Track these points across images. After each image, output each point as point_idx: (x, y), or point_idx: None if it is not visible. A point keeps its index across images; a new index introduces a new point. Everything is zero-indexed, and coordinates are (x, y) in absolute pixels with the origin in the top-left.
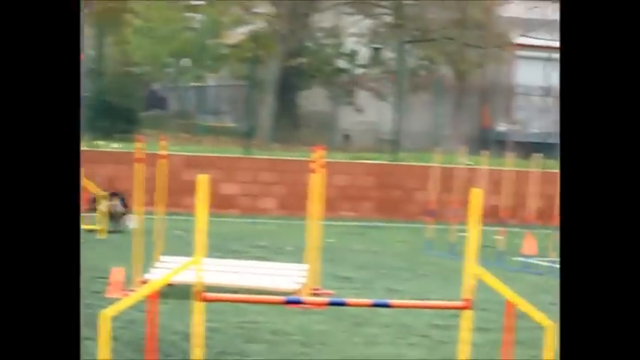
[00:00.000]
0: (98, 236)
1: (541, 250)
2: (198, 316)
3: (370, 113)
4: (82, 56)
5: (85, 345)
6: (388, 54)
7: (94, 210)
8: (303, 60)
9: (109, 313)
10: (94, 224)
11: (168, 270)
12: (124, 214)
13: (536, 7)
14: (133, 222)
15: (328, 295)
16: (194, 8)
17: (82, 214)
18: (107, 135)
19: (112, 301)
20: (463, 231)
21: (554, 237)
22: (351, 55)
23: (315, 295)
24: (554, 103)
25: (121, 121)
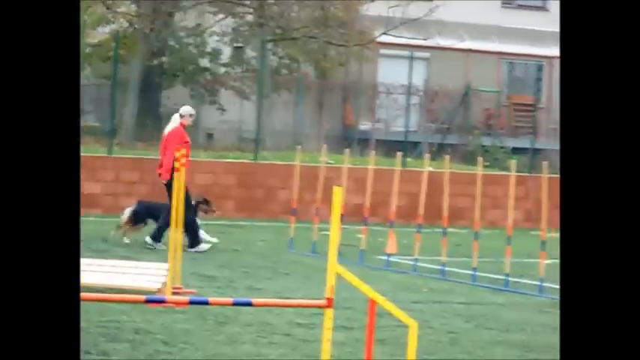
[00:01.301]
0: None
1: (404, 248)
2: None
3: (233, 112)
4: None
5: None
6: (250, 53)
7: None
8: (166, 59)
9: None
10: None
11: None
12: None
13: (398, 5)
14: None
15: (190, 294)
16: None
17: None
18: None
19: None
20: (326, 229)
21: (416, 235)
22: (214, 54)
23: (176, 294)
24: (416, 102)
25: None
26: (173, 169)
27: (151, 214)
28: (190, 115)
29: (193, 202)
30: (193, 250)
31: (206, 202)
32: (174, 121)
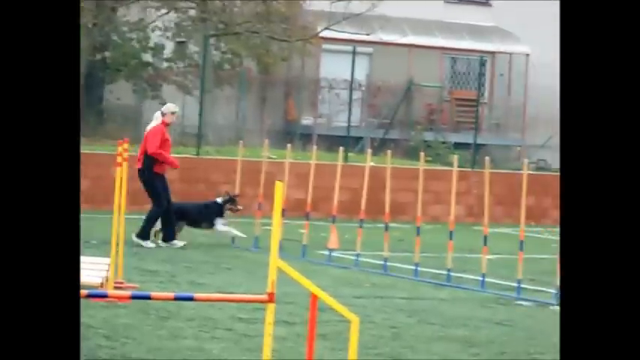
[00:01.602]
0: None
1: (346, 243)
2: None
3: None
4: None
5: None
6: (193, 48)
7: None
8: (109, 54)
9: None
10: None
11: None
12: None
13: (340, 0)
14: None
15: (132, 288)
16: None
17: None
18: None
19: None
20: (268, 224)
21: (358, 230)
22: (157, 49)
23: (119, 288)
24: (358, 97)
25: None
26: (145, 165)
27: (181, 216)
28: (172, 113)
29: (220, 200)
30: (167, 244)
31: (231, 200)
32: (156, 119)
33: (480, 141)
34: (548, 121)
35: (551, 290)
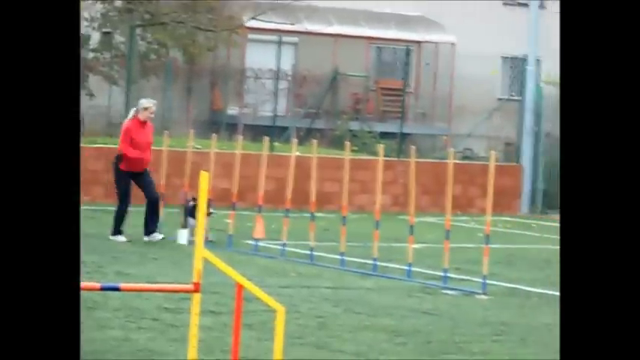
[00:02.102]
0: None
1: (272, 233)
2: None
3: (102, 97)
4: None
5: None
6: (119, 38)
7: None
8: None
9: None
10: None
11: None
12: None
13: None
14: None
15: None
16: None
17: None
18: None
19: None
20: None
21: (284, 220)
22: (83, 40)
23: None
24: (284, 86)
25: None
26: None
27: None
28: (145, 109)
29: (190, 203)
30: (147, 238)
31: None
32: (130, 115)
33: (406, 130)
34: (474, 110)
35: (477, 279)
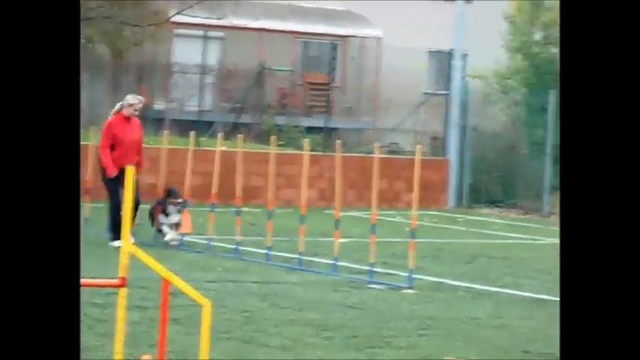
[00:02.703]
0: None
1: (199, 227)
2: None
3: None
4: None
5: None
6: None
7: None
8: None
9: None
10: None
11: None
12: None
13: None
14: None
15: None
16: None
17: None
18: None
19: None
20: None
21: (210, 215)
22: None
23: None
24: (210, 81)
25: None
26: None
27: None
28: (130, 105)
29: (162, 197)
30: (115, 244)
31: (171, 193)
32: (114, 109)
33: (332, 125)
34: (400, 104)
35: (404, 273)
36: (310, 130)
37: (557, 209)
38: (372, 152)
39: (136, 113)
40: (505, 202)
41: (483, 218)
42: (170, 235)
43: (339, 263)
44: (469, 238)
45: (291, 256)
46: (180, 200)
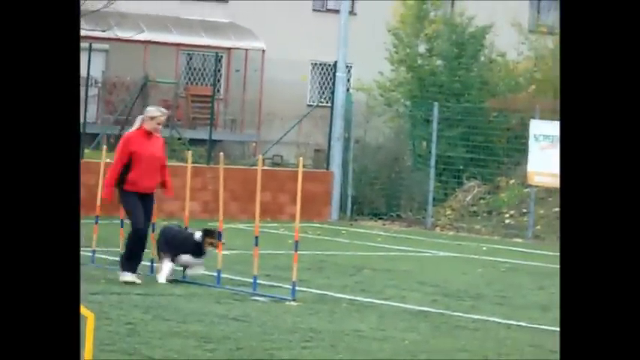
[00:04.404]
0: None
1: (83, 239)
2: None
3: None
4: None
5: None
6: None
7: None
8: None
9: None
10: None
11: None
12: None
13: None
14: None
15: None
16: None
17: None
18: None
19: None
20: None
21: (95, 226)
22: None
23: None
24: (94, 93)
25: None
26: (117, 183)
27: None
28: (152, 118)
29: (199, 234)
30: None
31: (210, 232)
32: (135, 124)
33: (216, 137)
34: (283, 116)
35: (287, 286)
36: (194, 142)
37: (441, 221)
38: (255, 164)
39: (160, 127)
40: (388, 215)
41: (367, 230)
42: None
43: (222, 275)
44: (353, 251)
45: (175, 268)
46: (222, 242)
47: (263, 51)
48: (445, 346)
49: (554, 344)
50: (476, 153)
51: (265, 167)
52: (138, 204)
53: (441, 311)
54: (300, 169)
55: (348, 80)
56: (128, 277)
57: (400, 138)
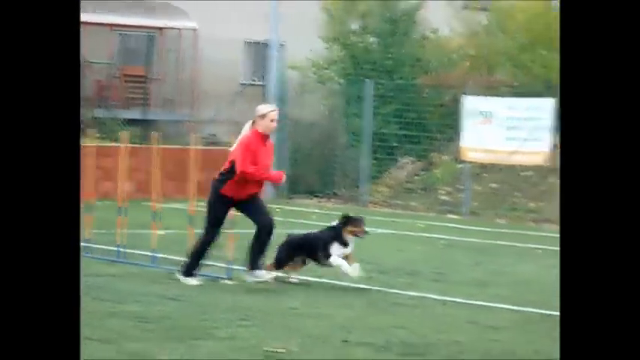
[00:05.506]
0: None
1: None
2: None
3: None
4: None
5: None
6: None
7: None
8: None
9: None
10: None
11: None
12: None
13: None
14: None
15: None
16: None
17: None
18: None
19: None
20: None
21: None
22: None
23: None
24: None
25: None
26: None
27: (300, 249)
28: (263, 116)
29: (335, 223)
30: (252, 278)
31: (351, 220)
32: (246, 126)
33: (150, 117)
34: (217, 95)
35: (223, 264)
36: (129, 122)
37: (376, 198)
38: (189, 144)
39: (274, 126)
40: (324, 192)
41: (302, 208)
42: (346, 268)
43: (158, 255)
44: (287, 229)
45: (111, 248)
46: (366, 230)
47: (195, 30)
48: (382, 322)
49: (491, 320)
50: (409, 130)
51: (200, 146)
52: (227, 212)
53: (377, 288)
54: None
55: (282, 59)
56: (191, 281)
57: (334, 116)
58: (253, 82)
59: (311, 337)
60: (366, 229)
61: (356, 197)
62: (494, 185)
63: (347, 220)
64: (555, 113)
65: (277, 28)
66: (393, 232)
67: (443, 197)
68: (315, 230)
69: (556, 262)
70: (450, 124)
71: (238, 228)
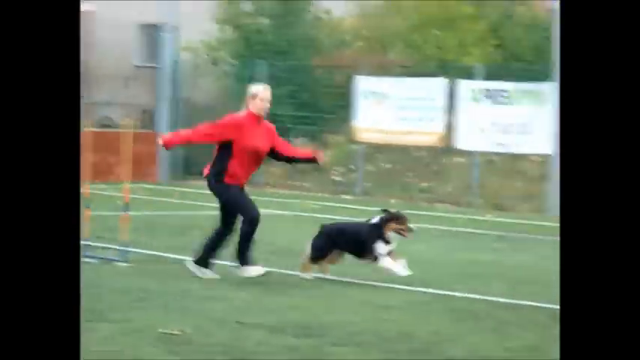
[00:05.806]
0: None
1: None
2: None
3: None
4: None
5: None
6: None
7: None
8: None
9: None
10: None
11: None
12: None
13: None
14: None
15: None
16: None
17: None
18: None
19: None
20: None
21: None
22: None
23: None
24: None
25: None
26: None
27: (339, 242)
28: (254, 97)
29: (376, 220)
30: (245, 273)
31: (394, 216)
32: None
33: None
34: (112, 77)
35: (118, 247)
36: None
37: (271, 179)
38: (84, 126)
39: (269, 108)
40: None
41: (197, 190)
42: (397, 269)
43: None
44: (182, 211)
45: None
46: (411, 227)
47: (93, 12)
48: (277, 304)
49: (384, 299)
50: (303, 111)
51: (94, 129)
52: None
53: (272, 269)
54: (129, 131)
55: (175, 40)
56: (253, 271)
57: (228, 97)
58: (147, 65)
59: (206, 319)
60: (411, 225)
61: (250, 179)
62: (387, 166)
63: (390, 217)
64: (447, 93)
65: (170, 10)
66: (287, 212)
67: (336, 178)
68: (348, 220)
69: (449, 241)
70: (343, 104)
71: (133, 211)
